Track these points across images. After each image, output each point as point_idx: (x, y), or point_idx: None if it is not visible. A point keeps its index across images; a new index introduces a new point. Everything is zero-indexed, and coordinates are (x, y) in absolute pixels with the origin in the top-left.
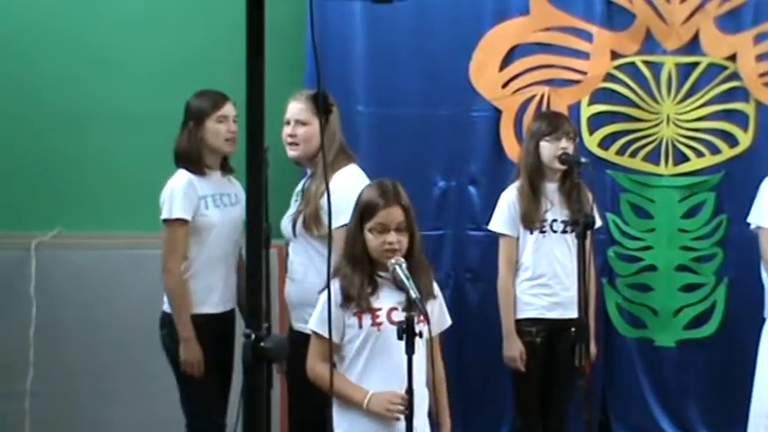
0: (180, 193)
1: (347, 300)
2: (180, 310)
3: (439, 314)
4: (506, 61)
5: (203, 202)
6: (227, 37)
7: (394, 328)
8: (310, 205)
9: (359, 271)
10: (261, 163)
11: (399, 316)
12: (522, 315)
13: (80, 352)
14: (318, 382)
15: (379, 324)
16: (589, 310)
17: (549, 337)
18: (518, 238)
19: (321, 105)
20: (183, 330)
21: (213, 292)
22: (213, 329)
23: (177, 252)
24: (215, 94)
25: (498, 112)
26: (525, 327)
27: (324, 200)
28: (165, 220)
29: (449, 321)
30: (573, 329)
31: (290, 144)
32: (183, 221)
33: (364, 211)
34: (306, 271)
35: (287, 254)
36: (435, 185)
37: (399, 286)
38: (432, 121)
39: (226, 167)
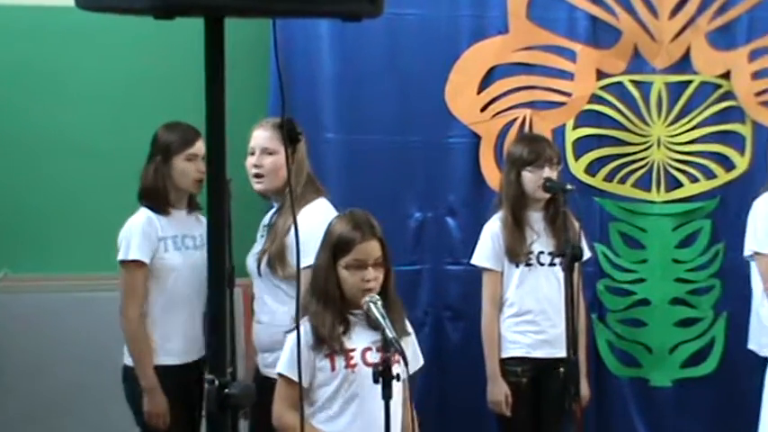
0: (138, 233)
1: (318, 341)
2: (140, 359)
3: (413, 354)
4: (485, 83)
5: (163, 243)
6: (186, 60)
7: (369, 371)
8: (276, 243)
9: (330, 309)
10: (222, 196)
11: (374, 357)
12: (507, 354)
13: (28, 400)
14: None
15: (354, 366)
16: (579, 349)
17: (536, 378)
18: (503, 273)
19: (287, 133)
20: (145, 380)
21: (171, 342)
22: (176, 381)
23: (135, 296)
24: (185, 129)
25: (477, 137)
26: (510, 366)
27: (291, 237)
28: (122, 262)
29: (421, 361)
30: (562, 369)
31: (256, 176)
32: (140, 264)
33: (338, 246)
34: (273, 312)
35: (253, 293)
36: (411, 217)
37: (373, 325)
38: (406, 149)
39: (193, 205)
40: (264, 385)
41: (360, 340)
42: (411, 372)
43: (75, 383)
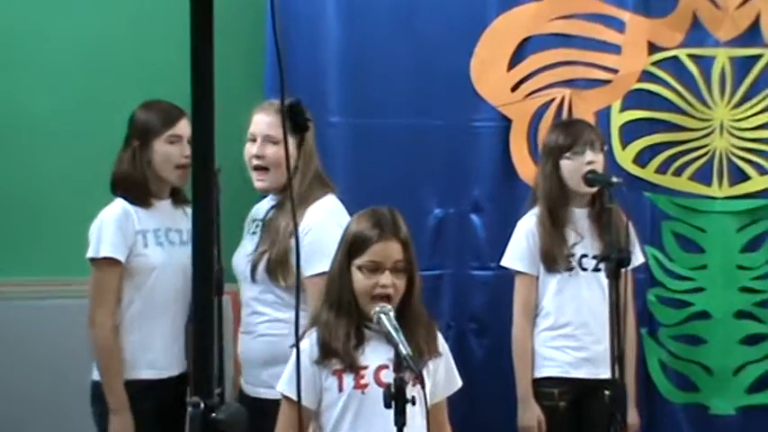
0: (111, 226)
1: (326, 355)
2: (109, 373)
3: (446, 375)
4: (516, 58)
5: (141, 237)
6: (170, 25)
7: (382, 391)
8: (278, 246)
9: (344, 319)
10: (210, 188)
11: (389, 376)
12: (541, 374)
13: None
14: None
15: (364, 386)
16: (626, 369)
17: (575, 402)
18: (538, 277)
19: (293, 119)
20: (113, 398)
21: (150, 352)
22: (154, 400)
23: (107, 300)
24: (167, 107)
25: (507, 121)
26: (545, 388)
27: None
28: (92, 260)
29: (458, 383)
30: (606, 393)
31: (258, 169)
32: (113, 261)
33: (353, 246)
34: (262, 324)
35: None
36: (430, 214)
37: (389, 339)
38: (424, 135)
39: (178, 196)
40: (253, 408)
41: (375, 357)
42: (444, 396)
43: (36, 400)
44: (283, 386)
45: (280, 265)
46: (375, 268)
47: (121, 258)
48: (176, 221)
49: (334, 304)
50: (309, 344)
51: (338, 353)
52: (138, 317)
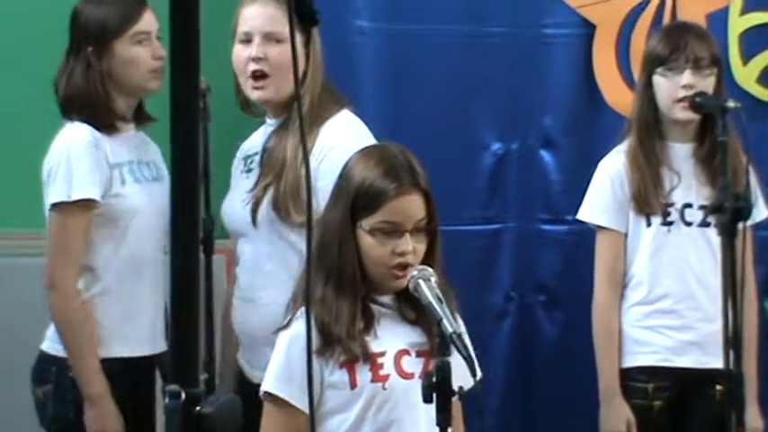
0: (84, 158)
1: (328, 342)
2: (80, 353)
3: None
4: None
5: (118, 174)
6: None
7: (409, 384)
8: (287, 174)
9: (347, 296)
10: (195, 113)
11: (413, 365)
12: (631, 363)
13: None
14: None
15: (385, 378)
16: (744, 356)
17: (676, 400)
18: (626, 235)
19: (299, 10)
20: (89, 384)
21: (135, 322)
22: (133, 384)
23: (72, 256)
24: (122, 0)
25: (590, 27)
26: (637, 382)
27: (311, 168)
28: (57, 205)
29: (478, 374)
30: (718, 387)
31: (256, 77)
32: (87, 205)
33: (361, 201)
34: (271, 286)
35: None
36: (486, 150)
37: (409, 318)
38: (479, 46)
39: (142, 116)
40: (254, 397)
41: (391, 340)
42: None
43: None
44: (272, 383)
45: (291, 197)
46: (392, 230)
47: (98, 198)
48: (144, 152)
49: (331, 276)
50: (298, 329)
51: (342, 339)
52: (117, 279)
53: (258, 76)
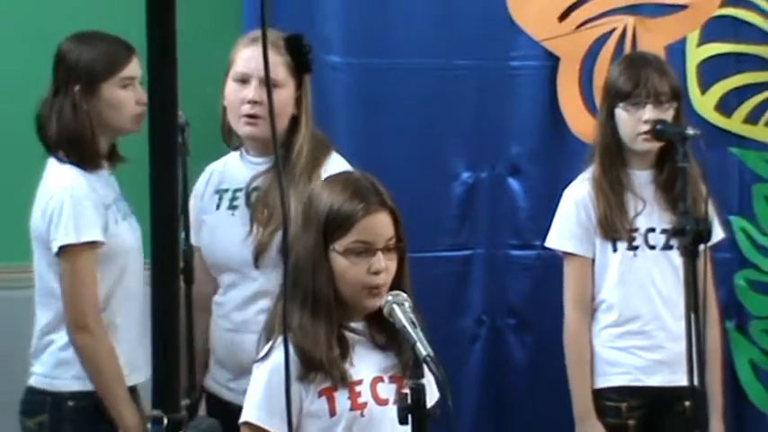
0: (86, 201)
1: (309, 368)
2: (111, 387)
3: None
4: None
5: (112, 213)
6: None
7: (384, 410)
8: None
9: (324, 321)
10: (173, 148)
11: (387, 391)
12: (604, 383)
13: None
14: None
15: (362, 406)
16: (708, 373)
17: (650, 417)
18: (594, 260)
19: (298, 58)
20: (123, 417)
21: (137, 352)
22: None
23: (91, 296)
24: (112, 45)
25: (554, 59)
26: (611, 401)
27: None
28: (66, 248)
29: (436, 393)
30: (686, 404)
31: (251, 117)
32: (93, 245)
33: (331, 225)
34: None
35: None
36: (456, 179)
37: (379, 343)
38: (449, 79)
39: (114, 157)
40: (226, 416)
41: (366, 368)
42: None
43: None
44: (254, 413)
45: None
46: (364, 250)
47: (103, 239)
48: (115, 188)
49: (307, 302)
50: (279, 358)
51: (324, 366)
52: (118, 312)
53: (254, 116)
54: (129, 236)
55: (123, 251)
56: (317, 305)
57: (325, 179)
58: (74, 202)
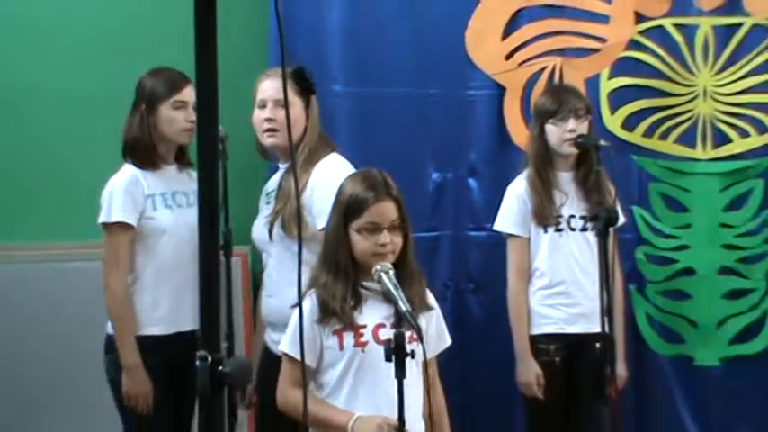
0: (121, 191)
1: (326, 314)
2: (122, 333)
3: (437, 331)
4: (510, 28)
5: (151, 201)
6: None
7: (381, 348)
8: (291, 202)
9: (342, 280)
10: (215, 153)
11: (387, 334)
12: (537, 330)
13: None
14: (290, 411)
15: (364, 344)
16: (615, 324)
17: (571, 356)
18: (530, 239)
19: (300, 84)
20: (126, 355)
21: (160, 309)
22: (163, 355)
23: (119, 264)
24: (172, 75)
25: (501, 89)
26: (542, 344)
27: (308, 196)
28: (104, 225)
29: (448, 340)
30: (598, 346)
31: (269, 130)
32: (124, 226)
33: (350, 209)
34: (285, 284)
35: (260, 265)
36: (429, 179)
37: (387, 298)
38: (423, 103)
39: (183, 161)
40: (275, 364)
41: (372, 315)
42: (435, 353)
43: (56, 363)
44: (285, 345)
45: (294, 218)
46: (373, 229)
47: (133, 222)
48: (183, 184)
49: (332, 266)
50: (310, 304)
51: (337, 313)
52: (149, 278)
53: (271, 130)
54: (167, 220)
55: (156, 232)
56: (338, 269)
57: (352, 174)
58: (112, 191)
